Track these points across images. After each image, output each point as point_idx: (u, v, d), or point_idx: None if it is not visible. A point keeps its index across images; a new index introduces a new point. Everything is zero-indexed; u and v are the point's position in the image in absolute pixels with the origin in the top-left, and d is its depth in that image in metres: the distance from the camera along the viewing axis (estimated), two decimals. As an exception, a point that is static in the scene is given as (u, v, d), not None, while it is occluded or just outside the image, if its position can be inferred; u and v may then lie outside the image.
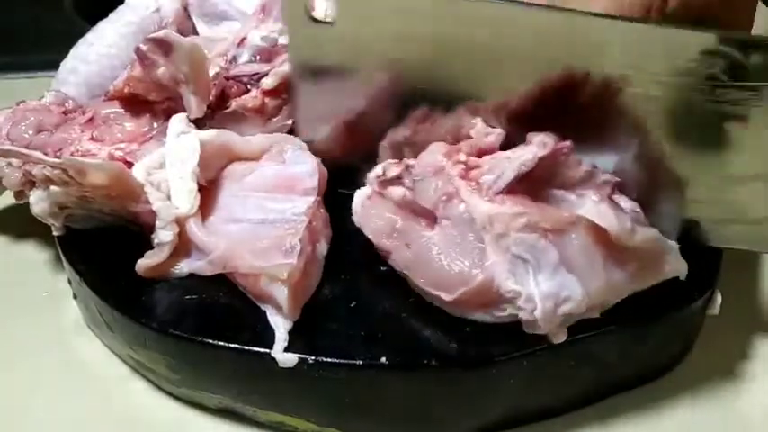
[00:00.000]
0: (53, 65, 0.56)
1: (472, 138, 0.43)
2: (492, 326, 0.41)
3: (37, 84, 0.60)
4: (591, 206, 0.40)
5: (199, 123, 0.48)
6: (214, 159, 0.46)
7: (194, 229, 0.43)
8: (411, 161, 0.43)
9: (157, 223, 0.43)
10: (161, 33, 0.46)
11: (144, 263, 0.43)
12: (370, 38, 0.43)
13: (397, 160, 0.43)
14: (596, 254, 0.39)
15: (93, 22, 0.56)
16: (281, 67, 0.50)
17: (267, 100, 0.50)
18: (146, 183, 0.44)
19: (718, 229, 0.45)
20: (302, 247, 0.41)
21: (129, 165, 0.46)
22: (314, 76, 0.46)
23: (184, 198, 0.44)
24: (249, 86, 0.50)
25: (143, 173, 0.44)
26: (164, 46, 0.46)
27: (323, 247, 0.44)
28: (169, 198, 0.44)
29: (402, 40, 0.43)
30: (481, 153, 0.42)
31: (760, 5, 0.44)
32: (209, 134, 0.46)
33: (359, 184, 0.45)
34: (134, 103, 0.49)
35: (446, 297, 0.40)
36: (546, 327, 0.39)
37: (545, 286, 0.39)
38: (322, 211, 0.45)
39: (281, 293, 0.40)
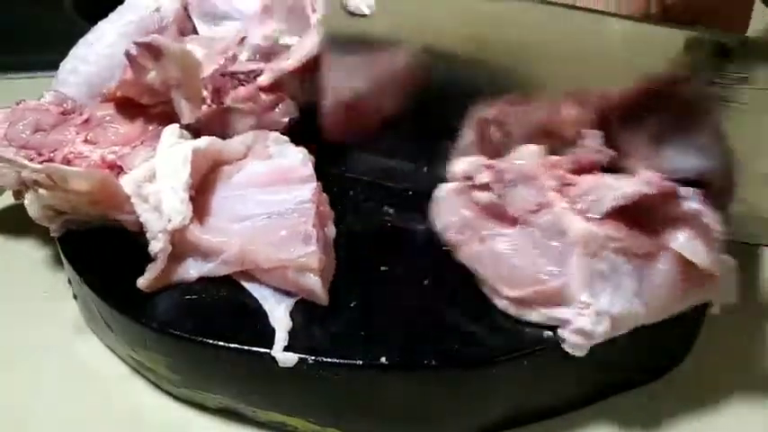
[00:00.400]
0: (53, 65, 0.55)
1: (577, 147, 0.43)
2: (492, 326, 0.41)
3: (37, 84, 0.60)
4: (684, 241, 0.40)
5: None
6: (201, 166, 0.46)
7: (198, 233, 0.43)
8: (503, 164, 0.43)
9: (147, 235, 0.43)
10: (150, 38, 0.46)
11: (143, 280, 0.43)
12: (405, 29, 0.45)
13: (487, 161, 0.44)
14: (677, 284, 0.40)
15: (94, 22, 0.56)
16: (278, 65, 0.50)
17: (262, 95, 0.50)
18: (133, 195, 0.44)
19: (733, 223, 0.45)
20: (317, 232, 0.42)
21: (120, 169, 0.46)
22: (342, 55, 0.47)
23: (176, 209, 0.43)
24: (245, 83, 0.50)
25: (132, 185, 0.44)
26: (153, 50, 0.46)
27: (331, 230, 0.45)
28: (158, 209, 0.44)
29: (437, 33, 0.44)
30: (581, 169, 0.43)
31: (758, 5, 0.45)
32: (201, 143, 0.46)
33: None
34: (128, 107, 0.49)
35: (509, 293, 0.41)
36: (588, 344, 0.39)
37: (618, 309, 0.39)
38: (324, 195, 0.46)
39: (314, 282, 0.41)
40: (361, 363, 0.39)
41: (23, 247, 0.54)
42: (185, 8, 0.58)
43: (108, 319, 0.44)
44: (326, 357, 0.39)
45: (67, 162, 0.47)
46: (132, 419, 0.44)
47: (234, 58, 0.50)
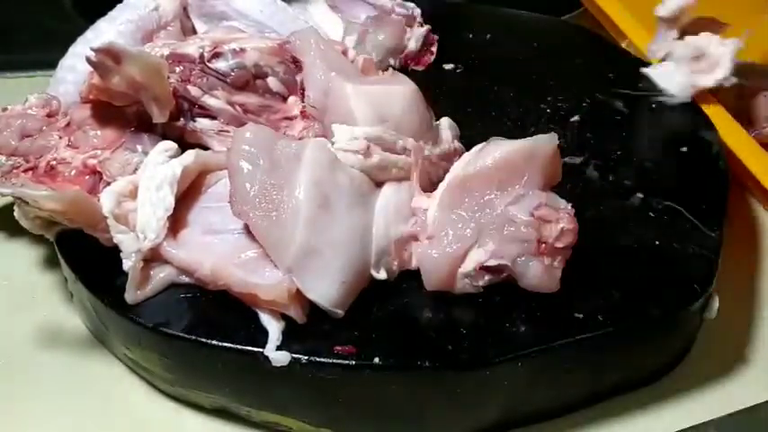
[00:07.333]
0: (53, 64, 0.55)
1: None
2: (487, 327, 0.41)
3: (37, 83, 0.60)
4: None
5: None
6: (186, 180, 0.45)
7: (172, 252, 0.42)
8: None
9: (121, 254, 0.43)
10: (106, 44, 0.45)
11: (127, 296, 0.42)
12: None
13: None
14: None
15: (93, 22, 0.56)
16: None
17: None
18: (110, 215, 0.43)
19: None
20: None
21: (101, 176, 0.46)
22: None
23: (151, 227, 0.43)
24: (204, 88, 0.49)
25: (113, 201, 0.44)
26: (112, 55, 0.45)
27: None
28: (134, 228, 0.43)
29: None
30: None
31: None
32: (188, 159, 0.45)
33: None
34: (105, 108, 0.49)
35: None
36: None
37: None
38: None
39: (289, 309, 0.40)
40: (354, 363, 0.39)
41: (20, 245, 0.54)
42: (184, 8, 0.58)
43: (103, 318, 0.44)
44: (320, 357, 0.39)
45: (51, 169, 0.47)
46: (127, 418, 0.44)
47: (216, 57, 0.49)
